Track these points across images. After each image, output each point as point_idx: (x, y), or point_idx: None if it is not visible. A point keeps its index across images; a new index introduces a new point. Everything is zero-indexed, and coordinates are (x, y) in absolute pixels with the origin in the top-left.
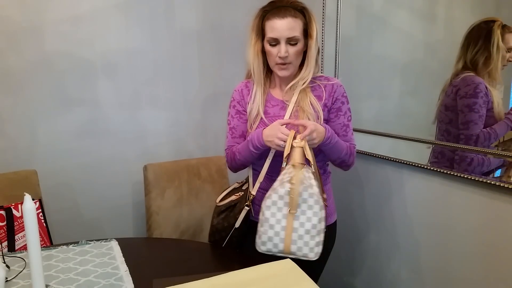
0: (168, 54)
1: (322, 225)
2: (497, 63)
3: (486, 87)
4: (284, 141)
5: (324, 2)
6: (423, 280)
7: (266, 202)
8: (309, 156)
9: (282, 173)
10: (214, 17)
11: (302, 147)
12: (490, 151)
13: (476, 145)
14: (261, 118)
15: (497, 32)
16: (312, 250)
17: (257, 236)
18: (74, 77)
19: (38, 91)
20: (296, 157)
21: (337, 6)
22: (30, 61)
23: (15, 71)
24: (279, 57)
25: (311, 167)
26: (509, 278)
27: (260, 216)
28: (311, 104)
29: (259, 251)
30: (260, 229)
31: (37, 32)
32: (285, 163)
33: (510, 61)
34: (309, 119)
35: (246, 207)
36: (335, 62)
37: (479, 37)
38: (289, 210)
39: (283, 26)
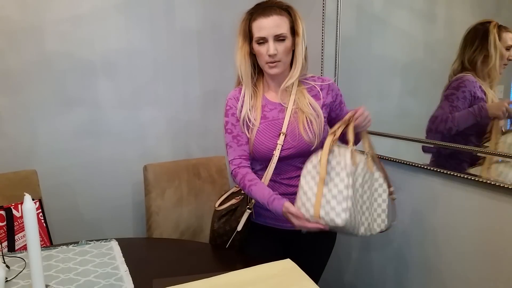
0: (168, 54)
1: (350, 192)
2: (496, 62)
3: (480, 87)
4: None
5: (324, 2)
6: (423, 279)
7: (303, 172)
8: (350, 136)
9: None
10: (214, 17)
11: (341, 125)
12: (482, 150)
13: (432, 126)
14: (257, 126)
15: (494, 32)
16: (338, 215)
17: (295, 202)
18: (74, 77)
19: (38, 91)
20: (334, 127)
21: (337, 6)
22: (30, 61)
23: (15, 71)
24: (269, 55)
25: (351, 147)
26: (509, 278)
27: (299, 183)
28: (310, 104)
29: None
30: (297, 194)
31: (37, 32)
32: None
33: (510, 59)
34: (310, 119)
35: (248, 210)
36: (335, 62)
37: (476, 38)
38: (320, 177)
39: (269, 24)
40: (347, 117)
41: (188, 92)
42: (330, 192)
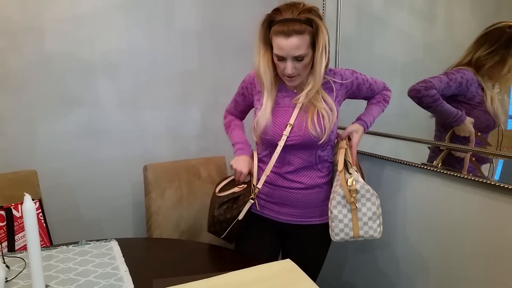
0: (168, 54)
1: (380, 210)
2: (509, 73)
3: (479, 84)
4: (233, 170)
5: (324, 2)
6: (423, 279)
7: (332, 203)
8: (349, 158)
9: (336, 178)
10: (214, 17)
11: (344, 154)
12: (481, 150)
13: (420, 89)
14: (269, 110)
15: None
16: (375, 230)
17: (330, 229)
18: (74, 77)
19: (38, 91)
20: (340, 164)
21: (337, 6)
22: (30, 61)
23: (15, 71)
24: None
25: (353, 166)
26: (510, 278)
27: (329, 214)
28: (323, 99)
29: (334, 240)
30: (332, 224)
31: (37, 32)
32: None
33: None
34: (322, 114)
35: (251, 200)
36: (335, 62)
37: (497, 40)
38: (351, 208)
39: (288, 46)
40: (342, 147)
41: (188, 92)
42: (365, 215)
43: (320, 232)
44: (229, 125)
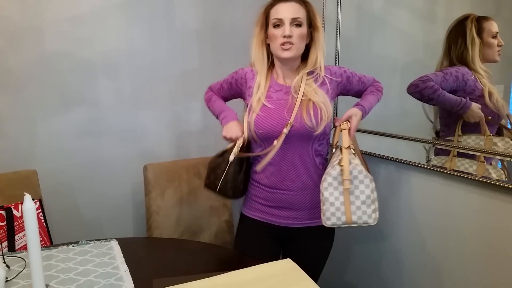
0: (168, 54)
1: (375, 194)
2: (475, 55)
3: (476, 79)
4: (229, 139)
5: (324, 2)
6: (423, 279)
7: (323, 185)
8: (350, 141)
9: (332, 157)
10: (214, 16)
11: (347, 134)
12: (483, 150)
13: (420, 83)
14: (263, 103)
15: (470, 26)
16: (370, 216)
17: (321, 213)
18: (74, 77)
19: (38, 91)
20: (344, 142)
21: (337, 6)
22: (30, 61)
23: (15, 71)
24: (283, 37)
25: (351, 149)
26: (510, 278)
27: (321, 197)
28: (317, 93)
29: (326, 225)
30: (323, 207)
31: (37, 32)
32: (333, 149)
33: (500, 45)
34: (319, 106)
35: (238, 142)
36: (335, 62)
37: (458, 36)
38: (344, 188)
39: (287, 7)
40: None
41: (188, 92)
42: (358, 198)
43: (321, 233)
44: (210, 99)
